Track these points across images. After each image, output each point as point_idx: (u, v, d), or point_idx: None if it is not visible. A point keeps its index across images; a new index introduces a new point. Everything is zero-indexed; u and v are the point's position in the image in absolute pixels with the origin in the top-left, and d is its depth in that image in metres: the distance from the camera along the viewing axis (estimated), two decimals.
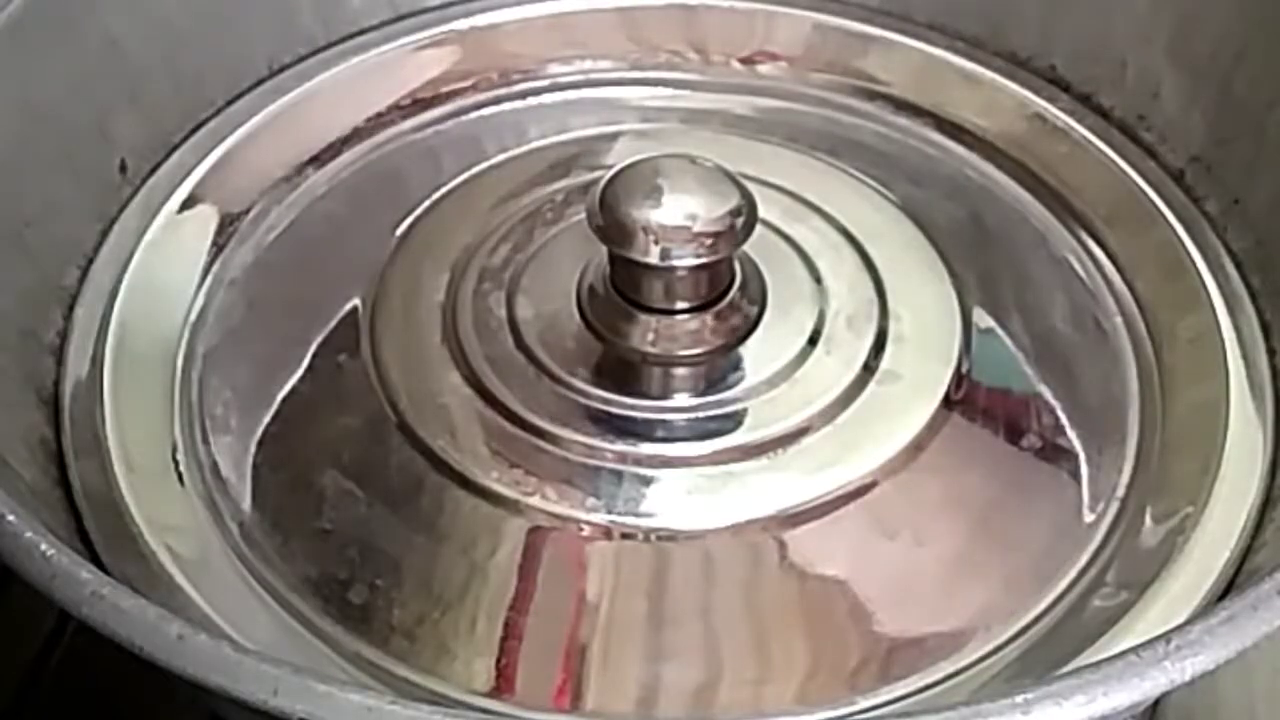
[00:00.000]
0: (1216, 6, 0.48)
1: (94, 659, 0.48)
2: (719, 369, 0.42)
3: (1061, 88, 0.52)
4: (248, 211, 0.49)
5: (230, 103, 0.51)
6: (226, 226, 0.48)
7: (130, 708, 0.48)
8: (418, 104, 0.53)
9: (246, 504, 0.41)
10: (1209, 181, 0.48)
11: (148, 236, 0.47)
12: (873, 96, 0.53)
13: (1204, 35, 0.48)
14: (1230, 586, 0.38)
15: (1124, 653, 0.29)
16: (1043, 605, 0.39)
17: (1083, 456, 0.42)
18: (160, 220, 0.48)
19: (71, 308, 0.45)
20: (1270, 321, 0.45)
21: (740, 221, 0.39)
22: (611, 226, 0.39)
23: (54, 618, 0.50)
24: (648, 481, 0.40)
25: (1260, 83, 0.46)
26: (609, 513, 0.39)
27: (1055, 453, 0.42)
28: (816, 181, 0.48)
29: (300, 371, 0.44)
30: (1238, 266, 0.46)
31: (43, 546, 0.31)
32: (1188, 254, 0.47)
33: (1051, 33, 0.52)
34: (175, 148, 0.49)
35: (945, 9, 0.54)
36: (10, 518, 0.32)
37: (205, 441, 0.42)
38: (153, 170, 0.49)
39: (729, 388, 0.41)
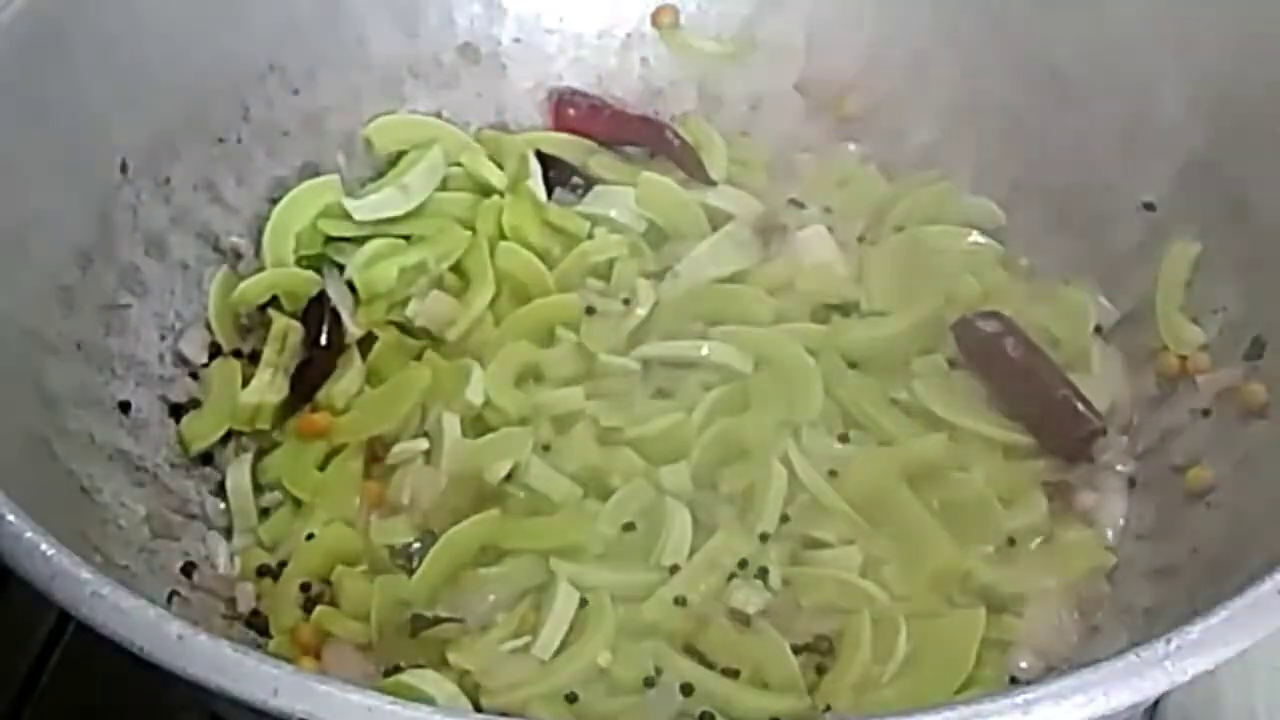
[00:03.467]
0: None
1: (94, 659, 0.48)
2: None
3: None
4: None
5: None
6: None
7: (130, 708, 0.47)
8: None
9: None
10: None
11: None
12: None
13: None
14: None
15: (1124, 652, 0.29)
16: None
17: None
18: None
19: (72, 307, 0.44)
20: None
21: None
22: None
23: (54, 618, 0.50)
24: None
25: None
26: None
27: None
28: None
29: None
30: None
31: (43, 546, 0.31)
32: None
33: None
34: None
35: None
36: (10, 518, 0.32)
37: None
38: None
39: None
